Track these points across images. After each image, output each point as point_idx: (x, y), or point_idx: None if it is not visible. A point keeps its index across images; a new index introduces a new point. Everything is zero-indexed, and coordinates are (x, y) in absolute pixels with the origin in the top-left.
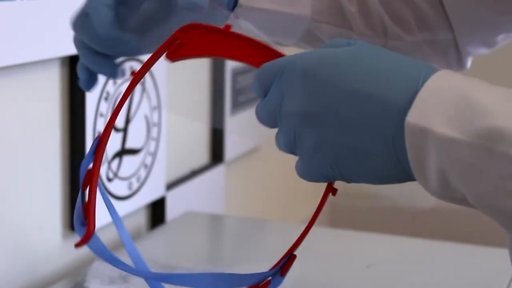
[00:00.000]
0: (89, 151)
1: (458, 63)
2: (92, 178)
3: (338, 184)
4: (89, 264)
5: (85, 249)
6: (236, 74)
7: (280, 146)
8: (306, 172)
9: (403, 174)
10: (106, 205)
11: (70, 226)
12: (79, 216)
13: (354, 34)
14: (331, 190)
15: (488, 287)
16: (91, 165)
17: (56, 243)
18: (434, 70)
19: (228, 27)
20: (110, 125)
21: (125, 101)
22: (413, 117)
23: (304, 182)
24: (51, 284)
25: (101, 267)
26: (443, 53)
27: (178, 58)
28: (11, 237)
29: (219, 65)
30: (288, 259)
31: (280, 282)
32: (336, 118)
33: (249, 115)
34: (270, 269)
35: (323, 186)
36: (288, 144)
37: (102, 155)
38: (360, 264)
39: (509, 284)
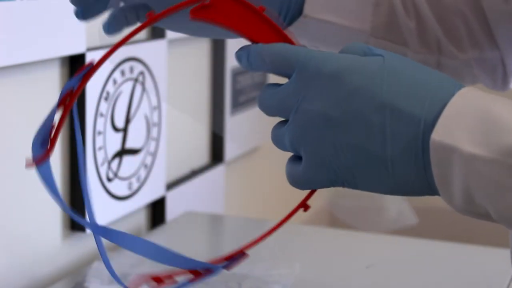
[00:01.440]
0: (78, 75)
1: (503, 82)
2: (71, 99)
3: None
4: (89, 264)
5: (85, 249)
6: (236, 74)
7: (284, 141)
8: (308, 176)
9: (424, 188)
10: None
11: (70, 226)
12: (40, 135)
13: (409, 51)
14: (304, 205)
15: (488, 287)
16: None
17: (56, 243)
18: (459, 87)
19: (262, 9)
20: (106, 56)
21: (131, 37)
22: (438, 135)
23: None
24: (51, 284)
25: (101, 267)
26: (491, 71)
27: (201, 19)
28: (11, 237)
29: (219, 65)
30: (239, 257)
31: (217, 273)
32: (362, 126)
33: (249, 115)
34: (218, 262)
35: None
36: (296, 141)
37: (87, 81)
38: (360, 264)
39: (509, 284)
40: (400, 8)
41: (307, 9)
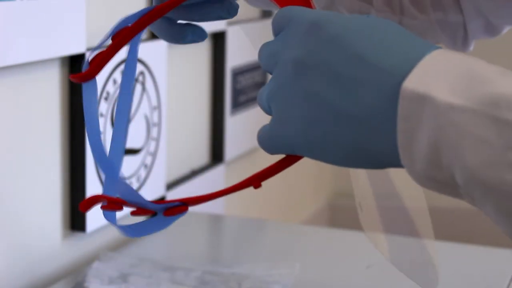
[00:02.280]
0: (137, 12)
1: (463, 45)
2: (128, 35)
3: (338, 184)
4: (89, 264)
5: (85, 249)
6: (236, 74)
7: (262, 96)
8: (273, 133)
9: (386, 151)
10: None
11: (70, 226)
12: (90, 55)
13: (373, 9)
14: (255, 182)
15: (488, 287)
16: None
17: (56, 243)
18: (437, 48)
19: None
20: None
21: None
22: (411, 83)
23: (304, 182)
24: (51, 284)
25: (101, 267)
26: (452, 34)
27: None
28: (11, 237)
29: (219, 65)
30: (178, 206)
31: (161, 222)
32: (332, 75)
33: (249, 115)
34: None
35: (323, 187)
36: (271, 94)
37: (147, 22)
38: (360, 264)
39: (509, 284)
40: None
41: None
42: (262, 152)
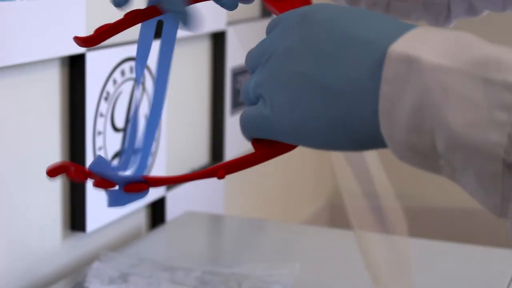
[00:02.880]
0: None
1: (445, 22)
2: (138, 15)
3: (338, 185)
4: (89, 264)
5: (85, 249)
6: (236, 74)
7: (249, 85)
8: (258, 116)
9: (367, 123)
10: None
11: (70, 226)
12: None
13: None
14: (220, 172)
15: (488, 287)
16: None
17: (56, 243)
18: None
19: None
20: None
21: None
22: (398, 46)
23: (304, 182)
24: (51, 284)
25: (101, 267)
26: (436, 13)
27: None
28: (11, 237)
29: (219, 65)
30: (138, 182)
31: (121, 197)
32: (319, 54)
33: None
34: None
35: (323, 187)
36: (259, 82)
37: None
38: (360, 264)
39: (509, 284)
40: None
41: None
42: None
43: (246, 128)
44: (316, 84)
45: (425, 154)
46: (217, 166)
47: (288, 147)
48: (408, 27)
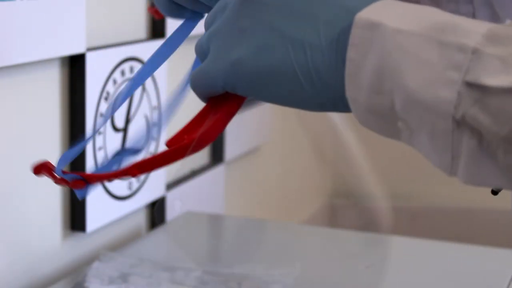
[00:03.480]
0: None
1: None
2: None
3: (338, 184)
4: (89, 264)
5: (85, 249)
6: None
7: (202, 39)
8: (212, 68)
9: (332, 82)
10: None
11: (70, 226)
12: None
13: None
14: (134, 171)
15: (488, 287)
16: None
17: (56, 243)
18: None
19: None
20: None
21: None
22: (365, 13)
23: (304, 182)
24: (51, 284)
25: (101, 267)
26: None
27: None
28: (11, 237)
29: None
30: (75, 180)
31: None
32: (288, 10)
33: (249, 115)
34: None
35: (323, 187)
36: (214, 32)
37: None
38: (360, 264)
39: (509, 284)
40: None
41: None
42: (262, 152)
43: (197, 83)
44: (286, 35)
45: (385, 116)
46: (132, 166)
47: (236, 105)
48: None
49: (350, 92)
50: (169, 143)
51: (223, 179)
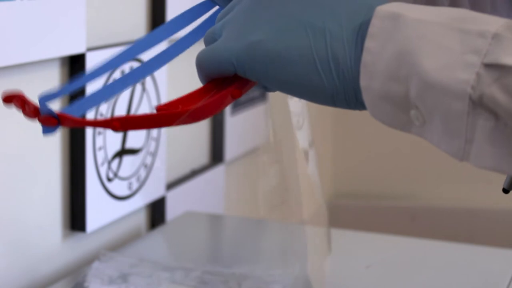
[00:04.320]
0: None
1: None
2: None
3: (338, 184)
4: (89, 264)
5: (85, 249)
6: None
7: (217, 25)
8: (224, 47)
9: (347, 74)
10: None
11: (70, 226)
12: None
13: None
14: (115, 123)
15: (488, 287)
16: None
17: (56, 243)
18: None
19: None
20: None
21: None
22: (386, 6)
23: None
24: (51, 284)
25: (101, 267)
26: None
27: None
28: (11, 237)
29: None
30: (50, 116)
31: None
32: (308, 1)
33: (249, 115)
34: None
35: (323, 186)
36: (230, 18)
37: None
38: (360, 264)
39: (509, 284)
40: None
41: None
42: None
43: (207, 60)
44: (305, 21)
45: (398, 104)
46: (114, 118)
47: (238, 90)
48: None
49: (364, 81)
50: (159, 108)
51: (223, 179)
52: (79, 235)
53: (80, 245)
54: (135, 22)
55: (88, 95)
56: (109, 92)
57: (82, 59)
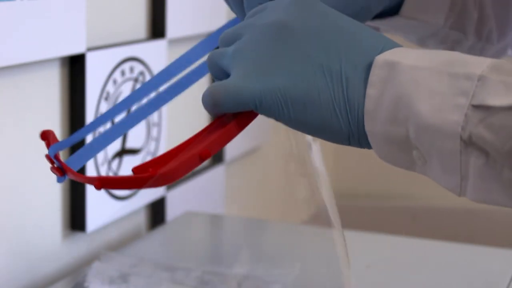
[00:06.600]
0: None
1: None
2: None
3: (338, 185)
4: (89, 264)
5: (85, 249)
6: None
7: (226, 53)
8: (242, 86)
9: (358, 118)
10: None
11: (70, 226)
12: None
13: (466, 39)
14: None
15: (488, 287)
16: None
17: (56, 243)
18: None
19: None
20: None
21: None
22: (384, 55)
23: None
24: (51, 284)
25: (101, 267)
26: (494, 55)
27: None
28: (11, 237)
29: None
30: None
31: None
32: (321, 40)
33: None
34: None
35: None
36: (241, 51)
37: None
38: (360, 264)
39: (509, 284)
40: (471, 2)
41: (406, 10)
42: (262, 152)
43: (224, 100)
44: (320, 64)
45: (401, 145)
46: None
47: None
48: (394, 43)
49: (369, 127)
50: (135, 170)
51: (223, 179)
52: (79, 235)
53: (80, 245)
54: (135, 22)
55: (95, 139)
56: (117, 133)
57: (82, 59)
